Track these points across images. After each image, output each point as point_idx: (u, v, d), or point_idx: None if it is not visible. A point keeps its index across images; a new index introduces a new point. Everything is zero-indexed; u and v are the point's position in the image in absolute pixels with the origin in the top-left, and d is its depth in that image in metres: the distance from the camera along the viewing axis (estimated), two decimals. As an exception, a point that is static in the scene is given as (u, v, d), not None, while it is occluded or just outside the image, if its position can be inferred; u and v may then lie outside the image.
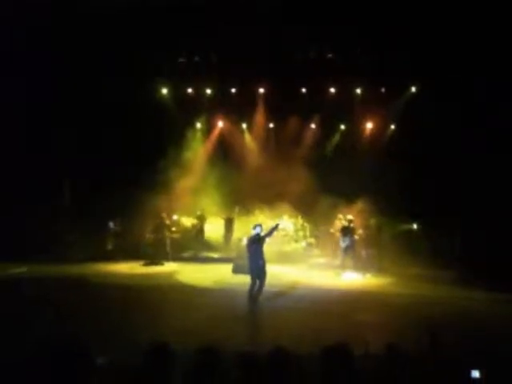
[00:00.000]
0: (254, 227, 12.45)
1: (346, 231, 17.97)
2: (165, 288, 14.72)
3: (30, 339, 7.28)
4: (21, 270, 16.65)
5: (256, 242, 12.18)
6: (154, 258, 19.01)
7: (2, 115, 17.57)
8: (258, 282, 12.15)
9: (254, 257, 12.16)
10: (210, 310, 11.63)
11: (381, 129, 22.18)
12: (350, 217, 18.47)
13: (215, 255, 20.86)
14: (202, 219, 21.90)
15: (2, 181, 17.86)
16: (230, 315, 11.35)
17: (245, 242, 12.76)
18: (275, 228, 13.10)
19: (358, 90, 21.38)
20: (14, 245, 17.08)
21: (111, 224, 20.71)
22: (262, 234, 12.40)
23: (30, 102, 18.56)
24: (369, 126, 22.31)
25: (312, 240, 21.57)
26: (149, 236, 20.07)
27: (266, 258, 12.41)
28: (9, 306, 11.00)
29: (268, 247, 20.43)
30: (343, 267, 17.65)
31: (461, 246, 17.31)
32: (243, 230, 21.47)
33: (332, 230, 20.77)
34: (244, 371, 4.80)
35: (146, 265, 18.69)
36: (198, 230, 21.84)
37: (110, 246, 20.62)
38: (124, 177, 19.59)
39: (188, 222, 22.53)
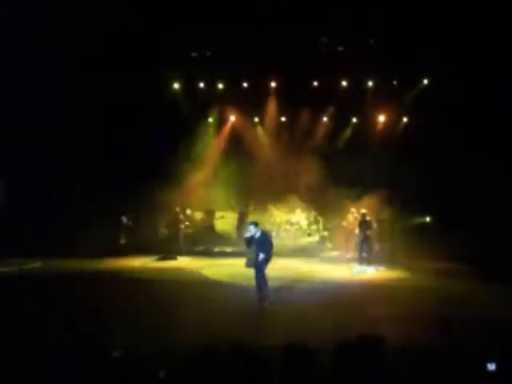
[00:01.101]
0: (250, 224, 12.42)
1: (363, 225, 17.94)
2: (179, 282, 14.81)
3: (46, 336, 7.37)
4: (34, 265, 16.82)
5: (256, 241, 12.06)
6: (167, 253, 19.10)
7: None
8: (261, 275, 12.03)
9: (258, 250, 12.00)
10: (225, 304, 11.66)
11: (393, 121, 21.99)
12: (363, 210, 18.44)
13: (228, 249, 20.91)
14: (210, 214, 22.07)
15: (16, 178, 17.96)
16: (246, 309, 11.40)
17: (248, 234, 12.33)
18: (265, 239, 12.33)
19: (370, 83, 21.23)
20: (27, 240, 17.23)
21: (124, 219, 20.81)
22: (257, 235, 12.08)
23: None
24: (381, 118, 22.15)
25: (325, 233, 21.56)
26: (162, 230, 20.09)
27: (271, 252, 12.17)
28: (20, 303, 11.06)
29: (281, 241, 20.79)
30: (358, 261, 17.64)
31: (475, 240, 17.17)
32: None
33: (344, 224, 20.74)
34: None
35: (159, 259, 18.80)
36: (208, 225, 22.01)
37: (123, 241, 20.74)
38: (136, 171, 19.67)
39: (199, 216, 22.63)
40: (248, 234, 12.24)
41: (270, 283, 12.91)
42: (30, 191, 18.55)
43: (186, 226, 20.88)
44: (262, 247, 11.97)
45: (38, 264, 16.94)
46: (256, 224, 12.30)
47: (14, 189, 18.57)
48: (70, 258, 17.63)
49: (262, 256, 11.88)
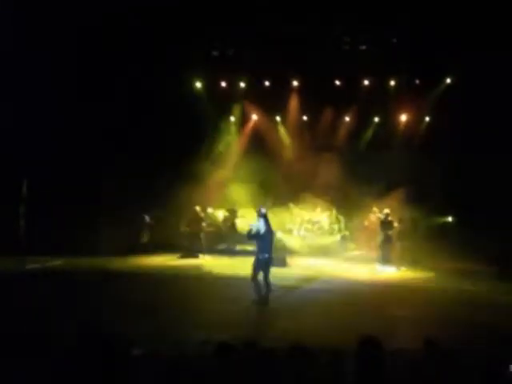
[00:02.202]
0: (259, 217, 11.71)
1: (385, 225, 17.92)
2: (200, 279, 14.93)
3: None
4: (56, 262, 16.94)
5: (261, 236, 11.56)
6: (189, 251, 19.24)
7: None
8: (261, 273, 11.62)
9: (261, 249, 11.57)
10: (246, 302, 11.60)
11: (416, 121, 21.87)
12: (386, 210, 18.31)
13: (250, 248, 20.91)
14: (233, 213, 22.04)
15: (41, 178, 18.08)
16: (266, 307, 11.41)
17: (253, 226, 11.63)
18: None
19: (393, 82, 21.09)
20: (49, 238, 17.32)
21: (147, 217, 20.94)
22: (263, 231, 11.50)
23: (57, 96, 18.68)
24: (403, 118, 22.03)
25: (347, 233, 21.56)
26: (184, 229, 20.18)
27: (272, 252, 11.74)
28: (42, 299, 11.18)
29: (303, 240, 20.83)
30: (380, 260, 17.60)
31: (500, 240, 16.97)
32: (276, 223, 21.57)
33: (366, 223, 20.72)
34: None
35: (181, 257, 18.97)
36: (230, 224, 21.91)
37: (144, 239, 20.88)
38: (159, 170, 19.80)
39: (221, 215, 22.66)
40: (254, 228, 11.57)
41: (292, 282, 12.95)
42: (54, 190, 18.65)
43: (208, 225, 20.93)
44: (266, 245, 11.58)
45: (59, 262, 17.03)
46: (265, 218, 11.69)
47: (38, 187, 18.65)
48: (92, 256, 17.73)
49: (266, 256, 11.48)
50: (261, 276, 11.61)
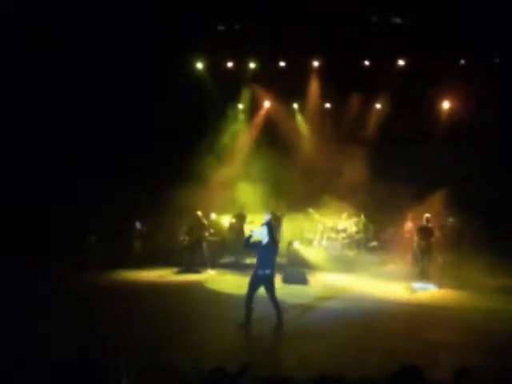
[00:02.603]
0: (263, 225, 11.88)
1: (424, 232, 18.16)
2: (202, 300, 15.32)
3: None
4: None
5: (262, 247, 11.69)
6: (189, 265, 19.58)
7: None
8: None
9: (262, 263, 11.65)
10: (259, 327, 11.89)
11: (460, 109, 21.87)
12: (427, 215, 18.44)
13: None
14: (241, 219, 21.88)
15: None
16: (285, 332, 11.72)
17: (254, 233, 11.82)
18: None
19: (433, 63, 21.19)
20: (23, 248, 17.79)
21: (138, 224, 21.27)
22: (265, 241, 11.65)
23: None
24: (446, 105, 22.28)
25: (376, 243, 21.85)
26: (183, 238, 20.48)
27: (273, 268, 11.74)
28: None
29: (325, 252, 20.85)
30: (417, 276, 17.86)
31: None
32: (293, 231, 21.85)
33: (401, 232, 20.78)
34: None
35: (179, 272, 19.34)
36: (238, 232, 21.80)
37: (136, 250, 21.17)
38: (151, 168, 20.19)
39: (227, 221, 22.86)
40: (255, 234, 11.73)
41: (312, 301, 13.26)
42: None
43: (211, 234, 21.25)
44: (268, 258, 11.63)
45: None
46: (269, 226, 11.80)
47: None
48: (72, 270, 18.08)
49: (267, 272, 11.52)
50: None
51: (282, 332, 11.66)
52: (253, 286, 11.68)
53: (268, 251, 11.62)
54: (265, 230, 11.67)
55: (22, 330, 10.43)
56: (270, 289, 11.68)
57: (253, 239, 11.83)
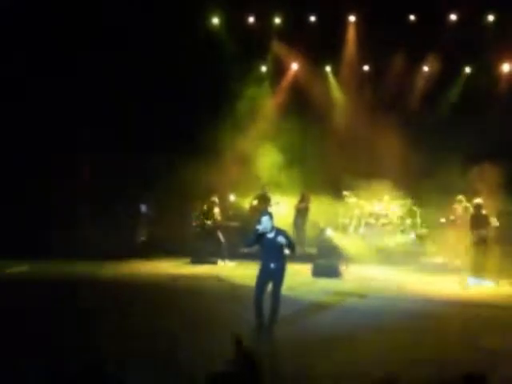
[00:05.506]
0: (263, 215, 11.84)
1: (478, 220, 18.01)
2: (220, 296, 15.11)
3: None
4: (20, 269, 17.40)
5: (268, 242, 11.59)
6: (203, 254, 19.61)
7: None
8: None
9: (267, 256, 11.72)
10: (290, 328, 11.86)
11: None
12: (478, 200, 18.23)
13: (285, 251, 20.96)
14: (264, 200, 21.75)
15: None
16: (318, 334, 11.65)
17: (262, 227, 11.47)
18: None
19: (491, 17, 20.99)
20: (14, 236, 18.05)
21: (143, 207, 21.39)
22: (270, 235, 11.48)
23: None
24: (506, 68, 22.07)
25: (424, 231, 21.59)
26: (196, 224, 20.41)
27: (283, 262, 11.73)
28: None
29: (362, 241, 20.75)
30: (471, 270, 17.72)
31: None
32: (324, 217, 21.73)
33: (452, 217, 20.61)
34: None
35: (193, 263, 19.42)
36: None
37: (142, 238, 21.33)
38: (161, 142, 20.20)
39: (248, 204, 22.62)
40: (260, 228, 11.54)
41: (346, 298, 13.18)
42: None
43: (229, 218, 21.23)
44: (275, 251, 11.66)
45: (24, 268, 17.52)
46: (271, 216, 11.73)
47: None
48: (69, 260, 18.22)
49: (273, 266, 11.55)
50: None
51: (272, 337, 11.46)
52: (262, 282, 11.74)
53: (275, 242, 11.51)
54: (268, 219, 11.56)
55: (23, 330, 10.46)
56: (279, 284, 11.71)
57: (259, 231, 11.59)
